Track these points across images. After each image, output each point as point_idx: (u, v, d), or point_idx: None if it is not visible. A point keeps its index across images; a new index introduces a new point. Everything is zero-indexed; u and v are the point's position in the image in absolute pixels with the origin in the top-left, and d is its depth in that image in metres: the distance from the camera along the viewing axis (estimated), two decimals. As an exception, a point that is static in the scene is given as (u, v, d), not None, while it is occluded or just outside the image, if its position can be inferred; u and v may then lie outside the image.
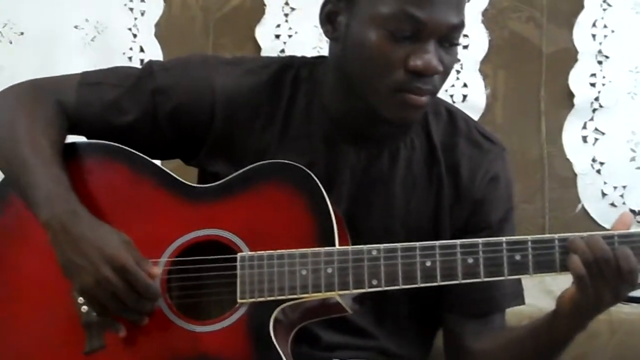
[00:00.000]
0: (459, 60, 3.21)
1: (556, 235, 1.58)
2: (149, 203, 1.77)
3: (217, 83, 1.81)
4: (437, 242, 1.62)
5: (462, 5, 1.69)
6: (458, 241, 1.62)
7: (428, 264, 1.62)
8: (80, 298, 1.71)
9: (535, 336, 1.74)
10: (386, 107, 1.69)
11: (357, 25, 1.68)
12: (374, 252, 1.64)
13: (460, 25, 1.67)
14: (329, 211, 1.67)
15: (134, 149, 1.81)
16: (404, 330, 1.89)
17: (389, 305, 1.85)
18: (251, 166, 1.74)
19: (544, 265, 1.59)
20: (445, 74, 1.70)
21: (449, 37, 1.67)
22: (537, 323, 1.74)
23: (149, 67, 1.86)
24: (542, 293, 2.52)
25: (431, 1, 1.63)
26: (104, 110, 1.83)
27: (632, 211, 3.20)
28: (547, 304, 2.29)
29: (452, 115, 1.86)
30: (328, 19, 1.74)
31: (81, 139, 1.87)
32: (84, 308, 1.71)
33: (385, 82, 1.67)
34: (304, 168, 1.71)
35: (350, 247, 1.65)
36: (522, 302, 1.88)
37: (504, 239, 1.60)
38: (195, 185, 1.79)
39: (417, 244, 1.62)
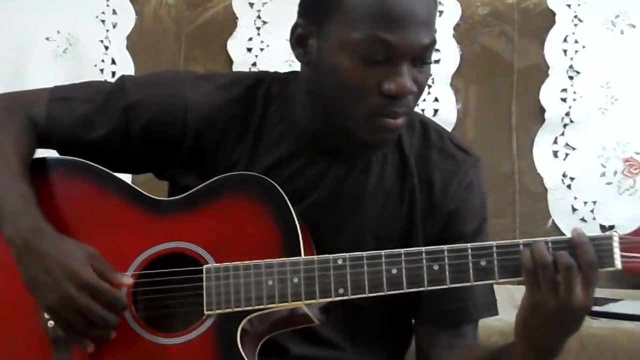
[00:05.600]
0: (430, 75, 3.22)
1: (521, 240, 1.58)
2: (114, 217, 1.77)
3: (189, 98, 1.80)
4: (403, 250, 1.62)
5: (432, 23, 1.68)
6: (423, 248, 1.62)
7: (394, 271, 1.61)
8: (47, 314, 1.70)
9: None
10: (361, 130, 1.68)
11: (328, 50, 1.68)
12: (340, 261, 1.63)
13: (432, 43, 1.67)
14: (294, 222, 1.67)
15: (105, 164, 1.80)
16: (375, 345, 1.88)
17: (361, 319, 1.84)
18: (216, 178, 1.74)
19: (510, 270, 1.59)
20: (419, 93, 1.70)
21: (421, 56, 1.66)
22: (498, 347, 1.74)
23: (121, 82, 1.86)
24: (512, 308, 2.51)
25: (401, 24, 1.63)
26: (74, 125, 1.82)
27: (602, 226, 3.22)
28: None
29: (425, 127, 1.86)
30: (299, 43, 1.73)
31: (52, 153, 1.85)
32: (51, 323, 1.70)
33: (359, 107, 1.66)
34: (268, 179, 1.71)
35: (316, 257, 1.65)
36: (496, 313, 1.87)
37: (468, 245, 1.60)
38: (160, 198, 1.78)
39: (383, 252, 1.62)
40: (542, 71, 3.25)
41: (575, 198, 3.23)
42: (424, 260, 1.61)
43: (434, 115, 3.23)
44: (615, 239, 1.56)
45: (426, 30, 1.65)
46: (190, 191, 1.75)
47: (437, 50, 3.23)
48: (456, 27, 3.27)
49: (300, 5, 1.75)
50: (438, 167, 1.83)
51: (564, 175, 3.24)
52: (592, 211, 3.23)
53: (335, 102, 1.69)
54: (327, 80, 1.69)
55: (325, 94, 1.71)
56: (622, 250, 1.55)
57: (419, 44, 1.64)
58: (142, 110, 1.81)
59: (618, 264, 1.55)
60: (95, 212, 1.78)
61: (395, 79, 1.64)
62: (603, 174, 3.23)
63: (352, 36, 1.64)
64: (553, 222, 3.22)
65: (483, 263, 1.59)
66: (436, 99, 3.26)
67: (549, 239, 1.57)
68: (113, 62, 3.36)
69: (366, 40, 1.63)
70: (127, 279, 1.69)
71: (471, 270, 1.59)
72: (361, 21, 1.63)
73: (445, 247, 1.61)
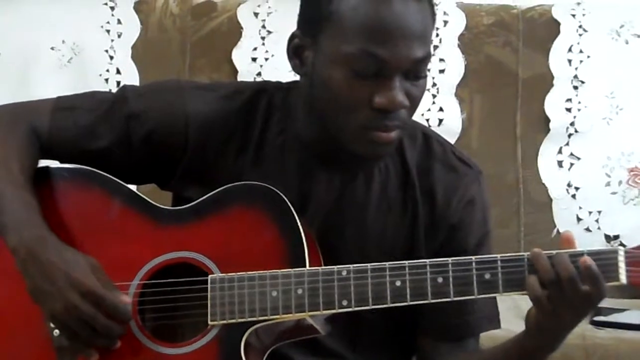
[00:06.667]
0: (434, 85, 3.23)
1: (525, 254, 1.58)
2: (120, 226, 1.77)
3: (191, 109, 1.80)
4: (407, 262, 1.62)
5: (427, 37, 1.67)
6: (427, 260, 1.62)
7: (398, 283, 1.61)
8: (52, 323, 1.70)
9: (506, 356, 1.74)
10: (354, 143, 1.68)
11: (322, 63, 1.68)
12: (344, 273, 1.63)
13: (426, 57, 1.66)
14: (299, 232, 1.67)
15: (108, 174, 1.80)
16: (378, 355, 1.88)
17: (364, 329, 1.84)
18: (222, 188, 1.73)
19: (514, 283, 1.59)
20: (413, 107, 1.69)
21: (414, 70, 1.65)
22: (507, 343, 1.74)
23: (123, 92, 1.85)
24: (517, 318, 2.50)
25: (393, 38, 1.62)
26: (77, 135, 1.82)
27: (607, 236, 3.22)
28: (522, 329, 2.29)
29: (427, 138, 1.85)
30: (295, 54, 1.73)
31: (55, 163, 1.85)
32: (56, 332, 1.69)
33: (352, 120, 1.66)
34: (274, 189, 1.70)
35: (320, 268, 1.65)
36: (498, 326, 1.86)
37: (473, 257, 1.60)
38: (166, 207, 1.78)
39: (387, 263, 1.62)
40: (546, 81, 3.25)
41: (580, 208, 3.23)
42: (428, 273, 1.61)
43: (439, 125, 3.23)
44: (621, 253, 1.56)
45: (419, 44, 1.64)
46: (197, 200, 1.75)
47: (442, 60, 3.25)
48: (461, 37, 3.27)
49: (299, 17, 1.75)
50: (440, 180, 1.82)
51: (569, 185, 3.24)
52: (597, 221, 3.23)
53: (329, 115, 1.69)
54: (321, 92, 1.69)
55: (319, 106, 1.71)
56: (627, 264, 1.55)
57: (411, 58, 1.63)
58: (143, 120, 1.80)
59: (623, 278, 1.55)
60: (101, 220, 1.77)
61: (386, 93, 1.63)
62: (608, 184, 3.23)
63: (344, 50, 1.63)
64: (558, 231, 3.22)
65: (487, 276, 1.59)
66: (441, 109, 3.26)
67: (554, 252, 1.58)
68: (118, 71, 3.36)
69: (357, 55, 1.62)
70: (126, 297, 1.68)
71: (475, 284, 1.60)
72: (353, 35, 1.63)
73: (449, 259, 1.61)
